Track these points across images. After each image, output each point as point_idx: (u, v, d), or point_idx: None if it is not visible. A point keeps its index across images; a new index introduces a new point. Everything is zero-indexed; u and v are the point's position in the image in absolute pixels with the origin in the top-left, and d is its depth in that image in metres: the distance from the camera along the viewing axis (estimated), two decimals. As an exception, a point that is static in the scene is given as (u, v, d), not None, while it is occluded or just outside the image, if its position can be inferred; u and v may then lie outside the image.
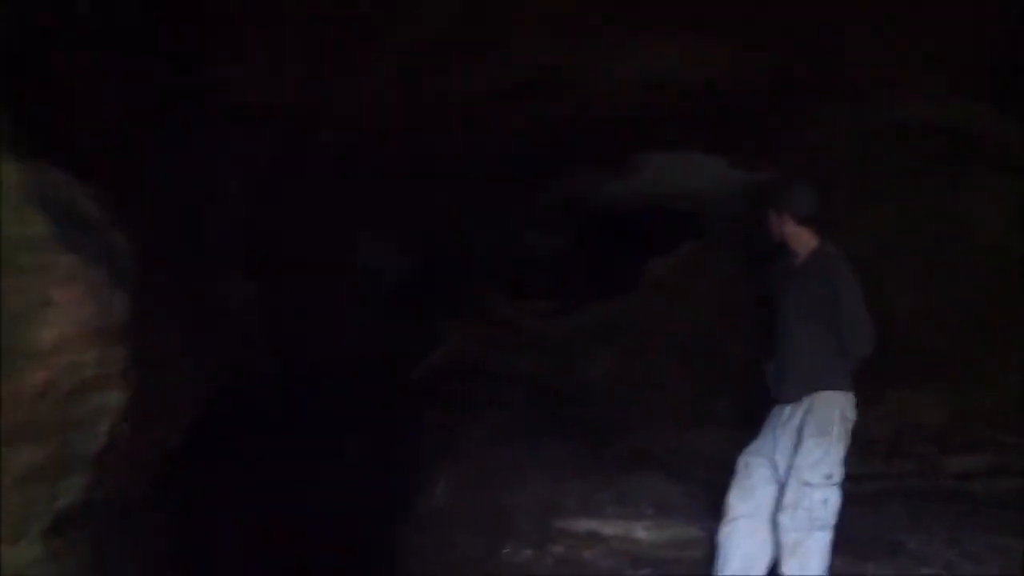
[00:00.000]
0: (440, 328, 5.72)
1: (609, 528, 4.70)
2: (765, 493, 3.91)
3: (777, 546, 3.81)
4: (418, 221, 4.87)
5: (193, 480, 4.52)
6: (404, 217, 4.80)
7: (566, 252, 5.80)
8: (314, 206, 4.46)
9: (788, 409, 3.92)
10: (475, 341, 5.81)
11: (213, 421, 4.47)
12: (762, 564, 3.87)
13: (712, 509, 4.70)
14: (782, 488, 3.84)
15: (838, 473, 3.75)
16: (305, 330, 5.15)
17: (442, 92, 3.94)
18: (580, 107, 4.30)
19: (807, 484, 3.71)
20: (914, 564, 4.20)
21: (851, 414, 3.83)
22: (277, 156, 4.09)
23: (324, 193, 4.45)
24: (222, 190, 4.08)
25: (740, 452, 5.16)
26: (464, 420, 5.71)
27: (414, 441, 5.68)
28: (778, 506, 3.80)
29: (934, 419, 4.79)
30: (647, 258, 5.41)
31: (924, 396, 4.79)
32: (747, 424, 5.08)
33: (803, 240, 3.99)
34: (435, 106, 4.02)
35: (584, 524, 4.74)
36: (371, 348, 5.44)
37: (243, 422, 4.86)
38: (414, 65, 3.77)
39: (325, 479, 5.04)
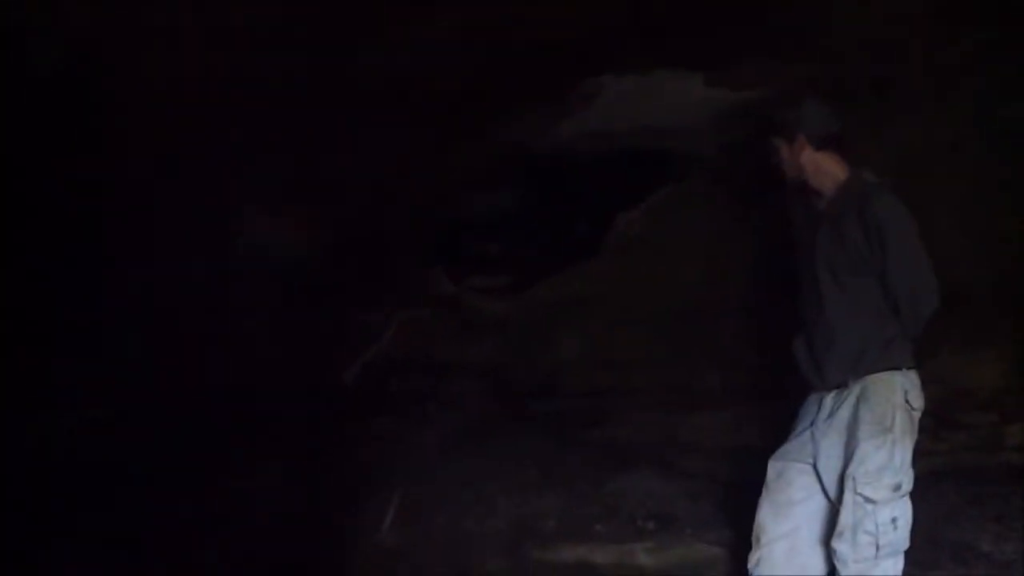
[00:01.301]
0: (370, 317, 4.66)
1: (601, 554, 3.79)
2: (807, 508, 2.99)
3: (831, 576, 2.89)
4: (320, 186, 3.77)
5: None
6: (302, 183, 3.70)
7: (513, 213, 4.76)
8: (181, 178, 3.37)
9: (830, 399, 2.98)
10: (415, 330, 4.77)
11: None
12: (809, 598, 2.96)
13: (724, 513, 3.81)
14: (831, 503, 2.91)
15: (908, 480, 2.83)
16: (190, 335, 4.05)
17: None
18: (505, 19, 3.22)
19: (869, 501, 2.77)
20: (997, 572, 3.31)
21: (917, 400, 2.90)
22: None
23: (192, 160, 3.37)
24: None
25: (741, 437, 4.26)
26: (412, 427, 4.71)
27: (352, 460, 4.65)
28: (833, 529, 2.86)
29: (989, 380, 3.87)
30: (612, 213, 4.37)
31: (976, 352, 3.86)
32: (747, 402, 4.20)
33: (827, 171, 3.02)
34: (321, 27, 2.92)
35: (570, 551, 3.82)
36: (283, 348, 4.36)
37: (113, 458, 3.80)
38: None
39: (240, 517, 3.98)
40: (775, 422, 4.01)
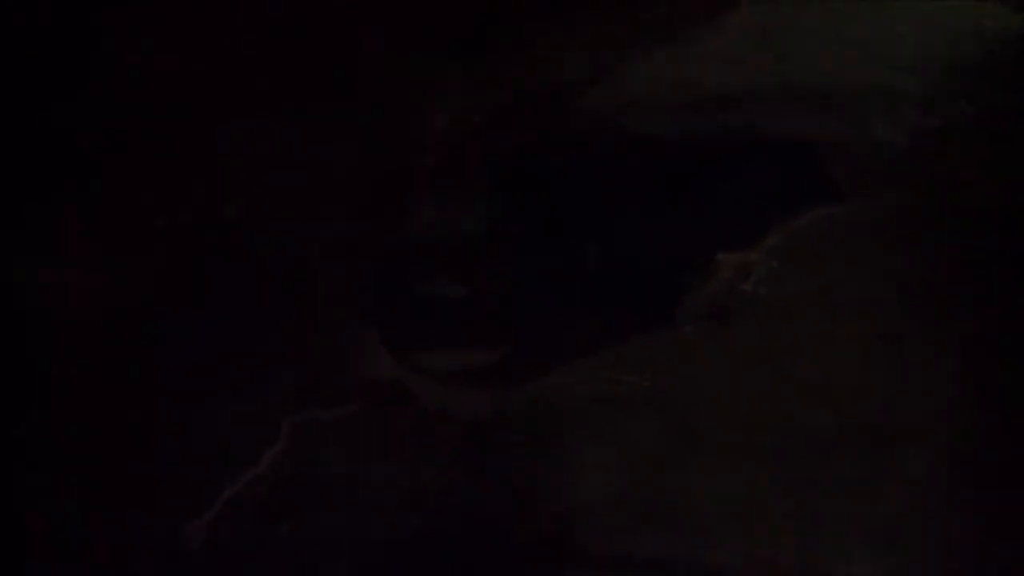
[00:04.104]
0: (243, 422, 2.64)
1: None
2: None
3: None
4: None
5: None
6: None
7: (508, 235, 2.82)
8: None
9: None
10: (327, 441, 2.75)
11: None
12: None
13: None
14: None
15: None
16: None
17: None
18: None
19: None
20: None
21: None
22: None
23: None
24: None
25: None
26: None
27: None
28: None
29: None
30: (706, 249, 2.36)
31: None
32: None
33: None
34: None
35: None
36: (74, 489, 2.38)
37: None
38: None
39: None
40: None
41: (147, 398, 2.44)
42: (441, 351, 2.77)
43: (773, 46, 1.88)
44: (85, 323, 2.29)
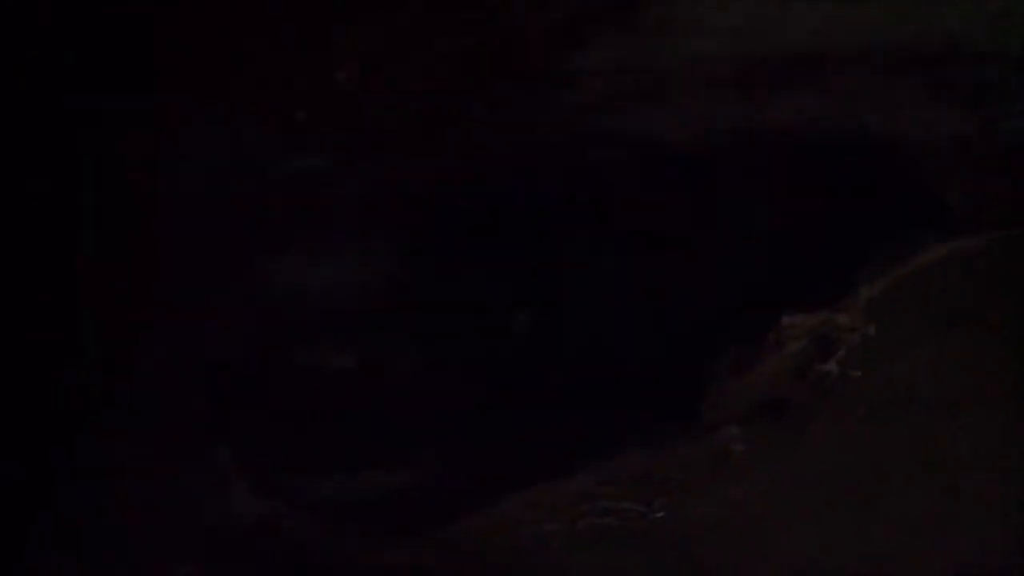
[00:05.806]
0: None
1: None
2: None
3: None
4: None
5: None
6: None
7: (411, 294, 1.97)
8: None
9: None
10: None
11: None
12: None
13: None
14: None
15: None
16: None
17: None
18: None
19: None
20: None
21: None
22: None
23: None
24: None
25: None
26: None
27: None
28: None
29: None
30: (760, 309, 1.53)
31: None
32: None
33: None
34: None
35: None
36: None
37: None
38: None
39: None
40: None
41: None
42: (328, 471, 1.85)
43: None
44: None
